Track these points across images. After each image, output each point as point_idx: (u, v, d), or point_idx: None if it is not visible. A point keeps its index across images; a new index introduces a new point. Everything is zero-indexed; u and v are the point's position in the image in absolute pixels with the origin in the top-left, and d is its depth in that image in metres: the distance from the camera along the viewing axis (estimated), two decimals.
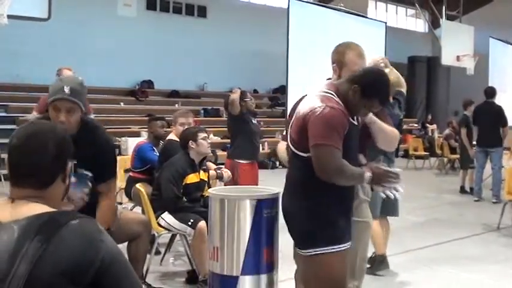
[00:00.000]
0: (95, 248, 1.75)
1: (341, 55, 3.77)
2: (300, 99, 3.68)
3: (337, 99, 3.23)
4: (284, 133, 3.96)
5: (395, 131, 4.00)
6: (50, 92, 3.76)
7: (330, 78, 3.85)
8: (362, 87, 3.22)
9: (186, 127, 6.19)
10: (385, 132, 3.85)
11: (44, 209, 1.86)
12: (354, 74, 3.38)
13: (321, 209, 3.27)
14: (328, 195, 3.25)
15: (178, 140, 5.95)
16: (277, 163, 17.92)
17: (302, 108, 3.29)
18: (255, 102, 8.23)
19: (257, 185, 6.95)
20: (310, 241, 3.30)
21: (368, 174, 3.23)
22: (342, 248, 3.28)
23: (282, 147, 3.92)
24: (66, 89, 3.67)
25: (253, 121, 7.72)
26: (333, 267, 3.28)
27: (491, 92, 11.48)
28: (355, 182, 3.36)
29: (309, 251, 3.29)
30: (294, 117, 3.40)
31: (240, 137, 7.61)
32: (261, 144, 8.55)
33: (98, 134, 4.06)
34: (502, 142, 11.08)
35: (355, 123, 3.33)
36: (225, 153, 8.73)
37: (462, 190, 12.38)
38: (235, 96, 7.60)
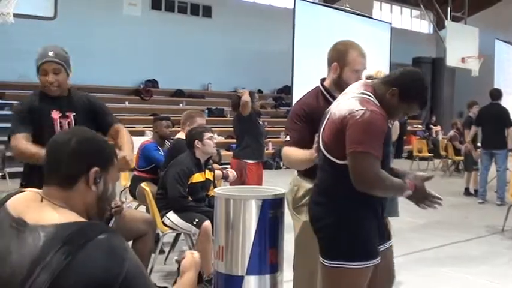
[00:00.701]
0: (118, 265, 1.74)
1: (343, 54, 3.66)
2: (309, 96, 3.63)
3: (376, 101, 3.03)
4: (287, 138, 3.77)
5: (397, 123, 3.98)
6: (36, 59, 4.06)
7: (324, 78, 3.80)
8: (401, 90, 3.04)
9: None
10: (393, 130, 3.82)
11: (73, 217, 1.86)
12: (391, 75, 3.17)
13: (352, 221, 3.06)
14: (361, 207, 3.05)
15: None
16: (281, 163, 17.95)
17: (338, 111, 3.04)
18: (259, 103, 8.27)
19: (261, 185, 6.96)
20: (337, 254, 3.08)
21: (408, 193, 3.05)
22: (368, 265, 3.06)
23: (293, 152, 3.69)
24: (51, 53, 4.02)
25: (260, 121, 7.74)
26: (354, 284, 3.11)
27: (496, 94, 11.47)
28: (393, 194, 3.17)
29: (332, 262, 3.09)
30: (326, 119, 3.16)
31: (247, 137, 7.59)
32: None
33: (85, 93, 4.46)
34: (507, 144, 11.07)
35: (390, 126, 3.22)
36: (230, 153, 8.75)
37: (467, 192, 12.37)
38: (247, 97, 7.53)
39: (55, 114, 4.02)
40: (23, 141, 3.90)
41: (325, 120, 3.16)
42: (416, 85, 3.10)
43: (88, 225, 1.83)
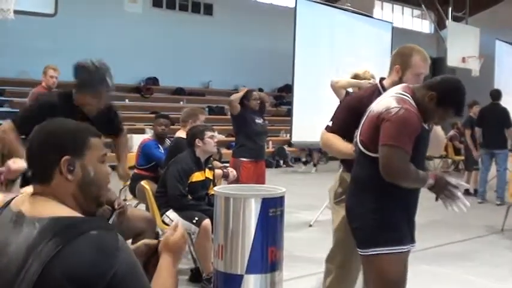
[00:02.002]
0: (107, 263, 1.73)
1: (407, 57, 3.74)
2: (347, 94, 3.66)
3: (413, 102, 3.20)
4: (330, 123, 3.91)
5: (443, 134, 4.03)
6: (90, 78, 4.02)
7: (384, 78, 3.90)
8: (439, 95, 3.19)
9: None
10: (439, 137, 3.89)
11: (69, 212, 1.86)
12: (432, 80, 3.32)
13: (385, 211, 3.26)
14: (393, 198, 3.24)
15: None
16: (281, 162, 17.95)
17: (376, 108, 3.24)
18: (268, 101, 8.29)
19: (263, 184, 6.94)
20: (370, 241, 3.28)
21: (430, 182, 3.20)
22: (401, 250, 3.26)
23: (333, 139, 3.84)
24: (109, 81, 4.03)
25: (257, 120, 7.68)
26: (390, 269, 3.27)
27: (496, 94, 11.52)
28: (417, 185, 3.28)
29: (367, 251, 3.29)
30: (366, 116, 3.34)
31: (241, 136, 7.69)
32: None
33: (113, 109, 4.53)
34: (507, 144, 11.10)
35: (427, 127, 3.31)
36: (230, 151, 8.76)
37: (466, 192, 12.35)
38: (233, 96, 7.70)
39: None
40: (13, 134, 3.88)
41: (365, 117, 3.35)
42: (455, 93, 3.25)
43: (83, 220, 1.83)
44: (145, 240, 2.39)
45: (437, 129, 3.83)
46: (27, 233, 1.77)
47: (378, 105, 3.26)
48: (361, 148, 3.32)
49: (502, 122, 11.10)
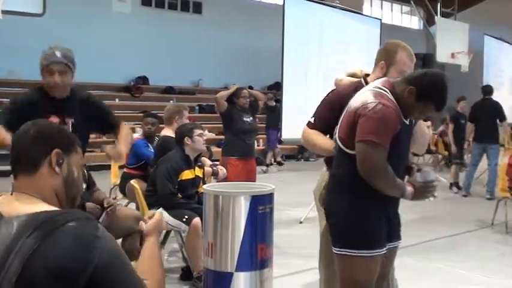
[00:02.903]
0: (86, 254, 1.72)
1: (391, 53, 3.66)
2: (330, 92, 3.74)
3: (391, 97, 3.13)
4: (312, 119, 3.87)
5: (429, 135, 3.97)
6: (41, 59, 4.04)
7: (368, 74, 3.83)
8: (418, 90, 3.11)
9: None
10: (423, 134, 3.80)
11: (46, 207, 1.87)
12: (412, 74, 3.26)
13: (360, 210, 3.20)
14: (370, 197, 3.15)
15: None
16: (272, 159, 17.95)
17: (354, 103, 3.18)
18: (263, 99, 8.31)
19: (254, 181, 6.94)
20: (341, 240, 3.26)
21: (410, 190, 3.15)
22: (371, 254, 3.19)
23: (313, 136, 3.79)
24: (58, 54, 4.00)
25: (245, 118, 7.68)
26: (356, 271, 3.23)
27: (488, 90, 11.65)
28: (393, 192, 3.19)
29: (339, 249, 3.27)
30: (344, 112, 3.27)
31: (228, 133, 7.78)
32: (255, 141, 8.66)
33: (87, 93, 4.45)
34: (499, 139, 11.20)
35: (407, 123, 3.23)
36: (220, 149, 8.77)
37: (452, 186, 12.46)
38: (220, 93, 7.76)
39: (53, 120, 3.98)
40: None
41: (344, 113, 3.28)
42: (435, 87, 3.15)
43: (60, 213, 1.83)
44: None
45: (422, 127, 3.75)
46: (5, 233, 1.76)
47: (355, 101, 3.20)
48: (340, 145, 3.26)
49: (495, 116, 11.24)
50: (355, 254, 3.19)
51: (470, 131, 11.69)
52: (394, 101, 3.12)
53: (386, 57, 3.67)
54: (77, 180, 2.06)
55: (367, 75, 3.84)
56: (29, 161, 1.96)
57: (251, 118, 7.75)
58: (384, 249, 3.26)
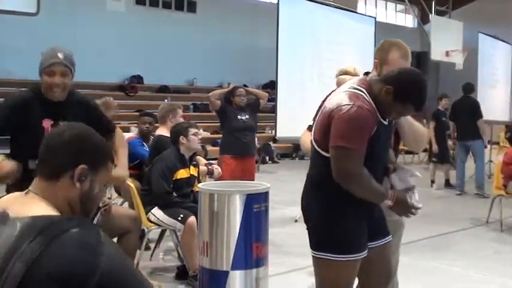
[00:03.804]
0: (91, 261, 1.70)
1: (385, 52, 3.55)
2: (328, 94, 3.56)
3: (368, 97, 3.02)
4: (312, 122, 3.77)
5: (425, 130, 3.88)
6: (42, 59, 3.95)
7: (368, 72, 3.71)
8: (396, 89, 2.99)
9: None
10: (415, 129, 3.69)
11: (51, 211, 1.86)
12: (389, 73, 3.14)
13: (337, 213, 3.12)
14: (346, 199, 3.05)
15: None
16: (267, 158, 17.96)
17: (328, 105, 3.08)
18: (265, 98, 8.30)
19: (252, 180, 6.95)
20: (319, 244, 3.18)
21: (388, 202, 3.08)
22: (349, 259, 3.11)
23: (306, 138, 3.72)
24: (60, 55, 3.92)
25: (240, 116, 7.70)
26: (334, 275, 3.17)
27: (468, 88, 11.87)
28: (371, 198, 3.13)
29: (316, 253, 3.20)
30: (319, 113, 3.20)
31: (223, 131, 7.95)
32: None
33: (84, 96, 4.43)
34: (480, 135, 11.29)
35: (385, 123, 3.12)
36: (216, 148, 8.80)
37: (447, 183, 12.49)
38: (212, 92, 7.89)
39: (46, 123, 3.92)
40: None
41: (319, 114, 3.20)
42: (413, 86, 3.05)
43: (63, 218, 1.82)
44: None
45: (414, 123, 3.65)
46: (8, 234, 1.74)
47: (330, 102, 3.11)
48: (315, 146, 3.17)
49: (473, 114, 11.34)
50: (333, 258, 3.12)
51: (453, 129, 11.82)
52: (371, 101, 3.02)
53: (379, 56, 3.58)
54: (96, 197, 2.03)
55: (367, 73, 3.79)
56: (53, 167, 1.94)
57: (247, 116, 7.76)
58: (364, 252, 3.17)
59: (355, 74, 6.17)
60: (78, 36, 17.22)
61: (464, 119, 11.38)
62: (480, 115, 11.41)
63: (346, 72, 6.31)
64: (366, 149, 2.97)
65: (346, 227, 3.12)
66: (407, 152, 17.95)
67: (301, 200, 3.33)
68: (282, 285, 5.51)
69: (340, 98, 3.03)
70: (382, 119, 3.08)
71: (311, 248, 3.24)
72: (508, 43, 17.93)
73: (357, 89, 3.06)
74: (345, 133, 2.93)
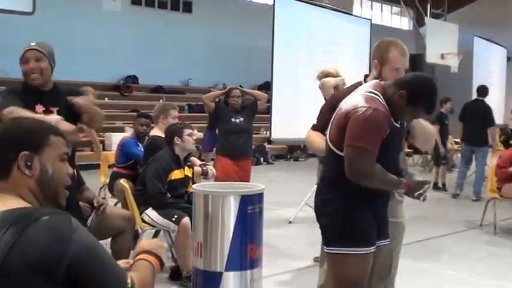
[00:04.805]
0: (61, 246, 1.72)
1: (384, 51, 3.68)
2: (338, 95, 3.68)
3: (383, 101, 3.16)
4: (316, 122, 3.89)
5: (433, 128, 3.96)
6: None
7: (367, 75, 3.85)
8: (409, 93, 3.14)
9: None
10: (425, 129, 3.80)
11: (21, 203, 1.87)
12: (403, 78, 3.31)
13: (349, 209, 3.24)
14: (359, 198, 3.22)
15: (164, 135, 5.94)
16: (262, 159, 17.95)
17: (345, 106, 3.21)
18: (263, 99, 8.26)
19: (240, 181, 6.93)
20: (333, 240, 3.29)
21: (402, 190, 3.28)
22: (362, 252, 3.24)
23: (315, 137, 3.80)
24: (33, 43, 4.09)
25: (234, 119, 7.68)
26: (348, 269, 3.27)
27: (482, 91, 11.55)
28: (386, 188, 3.31)
29: (330, 248, 3.31)
30: (335, 114, 3.31)
31: (218, 133, 7.93)
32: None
33: (71, 88, 4.51)
34: (488, 142, 11.13)
35: (398, 126, 3.26)
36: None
37: (435, 186, 12.46)
38: (206, 95, 8.02)
39: (39, 109, 3.98)
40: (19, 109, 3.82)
41: (335, 115, 3.32)
42: (425, 91, 3.20)
43: (35, 208, 1.85)
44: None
45: (425, 124, 3.77)
46: None
47: (346, 104, 3.23)
48: (330, 146, 3.30)
49: (484, 119, 11.10)
50: (347, 252, 3.23)
51: (462, 131, 11.66)
52: (385, 105, 3.15)
53: (379, 56, 3.69)
54: (54, 176, 2.01)
55: (367, 75, 3.85)
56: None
57: (241, 119, 7.72)
58: (374, 247, 3.31)
59: (336, 75, 6.25)
60: (73, 36, 17.21)
61: (473, 123, 11.08)
62: (492, 122, 11.19)
63: (327, 74, 6.36)
64: (379, 151, 3.10)
65: (359, 222, 3.26)
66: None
67: (315, 198, 3.45)
68: (276, 287, 5.51)
69: (357, 100, 3.16)
70: (395, 122, 3.21)
71: (324, 244, 3.37)
72: (503, 46, 18.01)
73: (373, 93, 3.19)
74: (360, 134, 3.07)
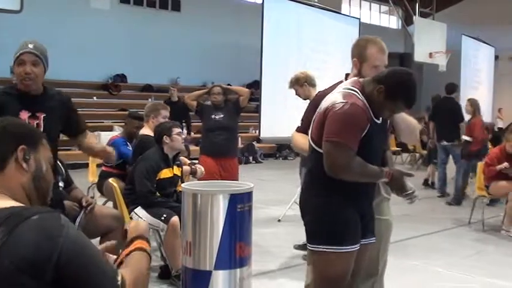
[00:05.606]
0: (50, 244, 1.71)
1: (362, 49, 3.65)
2: (321, 94, 3.66)
3: (361, 97, 3.16)
4: (300, 123, 3.90)
5: (416, 122, 3.97)
6: (15, 52, 4.00)
7: (348, 74, 3.82)
8: (386, 88, 3.13)
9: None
10: (408, 122, 3.81)
11: (11, 203, 1.86)
12: (380, 73, 3.28)
13: (332, 207, 3.24)
14: (343, 195, 3.22)
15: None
16: (251, 158, 17.96)
17: (324, 104, 3.23)
18: (246, 94, 8.17)
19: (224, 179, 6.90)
20: (316, 237, 3.30)
21: (385, 180, 3.25)
22: (345, 250, 3.23)
23: (299, 138, 3.82)
24: (30, 45, 3.96)
25: (214, 116, 7.64)
26: (330, 267, 3.27)
27: (450, 88, 11.60)
28: (367, 180, 3.28)
29: (312, 246, 3.31)
30: (316, 112, 3.32)
31: (202, 131, 7.95)
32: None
33: (61, 92, 4.39)
34: (460, 138, 11.06)
35: (378, 121, 3.25)
36: (198, 148, 8.80)
37: (425, 183, 12.49)
38: (187, 95, 8.06)
39: (24, 115, 3.90)
40: None
41: (315, 114, 3.32)
42: (402, 85, 3.18)
43: (24, 207, 1.84)
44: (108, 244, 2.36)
45: (407, 117, 3.78)
46: None
47: (325, 102, 3.24)
48: (312, 144, 3.31)
49: (454, 116, 11.10)
50: (329, 250, 3.23)
51: (432, 130, 11.71)
52: (365, 101, 3.16)
53: (357, 54, 3.67)
54: (46, 175, 2.04)
55: (348, 74, 3.83)
56: None
57: (222, 115, 7.64)
58: (358, 245, 3.30)
59: (306, 79, 6.34)
60: (62, 34, 17.16)
61: (444, 120, 11.14)
62: (462, 117, 11.23)
63: (297, 79, 6.42)
64: (360, 148, 3.10)
65: (342, 220, 3.25)
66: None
67: (300, 195, 3.49)
68: (265, 285, 5.52)
69: (335, 97, 3.18)
70: (375, 118, 3.21)
71: (307, 241, 3.37)
72: (491, 45, 18.08)
73: (351, 89, 3.20)
74: (337, 128, 3.08)
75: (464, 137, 10.56)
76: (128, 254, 2.16)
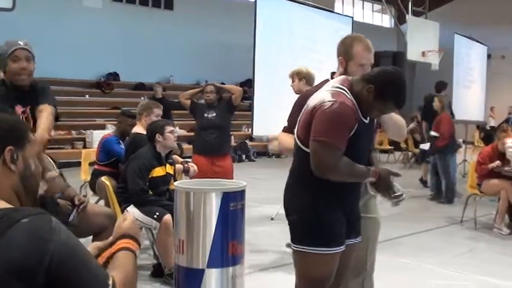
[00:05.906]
0: (42, 248, 1.68)
1: (348, 47, 3.61)
2: (308, 92, 3.63)
3: (350, 96, 3.11)
4: (286, 123, 3.86)
5: (403, 119, 3.96)
6: (5, 49, 4.12)
7: (334, 72, 3.78)
8: (376, 88, 3.08)
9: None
10: (395, 119, 3.80)
11: (4, 204, 1.83)
12: (370, 72, 3.24)
13: (317, 207, 3.19)
14: (328, 194, 3.18)
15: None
16: (244, 156, 17.97)
17: (312, 102, 3.17)
18: (238, 92, 8.12)
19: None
20: (299, 237, 3.26)
21: (371, 179, 3.19)
22: (328, 252, 3.19)
23: (286, 139, 3.76)
24: (21, 42, 4.13)
25: (207, 114, 7.62)
26: (313, 268, 3.25)
27: (439, 86, 11.71)
28: (354, 180, 3.23)
29: (295, 245, 3.28)
30: (303, 111, 3.27)
31: (195, 130, 7.93)
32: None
33: (44, 84, 4.46)
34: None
35: (366, 121, 3.20)
36: (191, 146, 8.76)
37: (424, 183, 12.53)
38: (182, 93, 8.11)
39: (19, 109, 4.03)
40: None
41: (302, 112, 3.27)
42: (392, 85, 3.12)
43: (13, 211, 1.80)
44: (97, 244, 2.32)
45: (394, 115, 3.73)
46: None
47: (313, 100, 3.19)
48: (298, 143, 3.26)
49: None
50: (313, 251, 3.20)
51: (425, 128, 11.76)
52: (353, 100, 3.11)
53: (343, 53, 3.63)
54: (35, 173, 2.00)
55: (334, 73, 3.81)
56: None
57: (214, 114, 7.62)
58: (343, 246, 3.26)
59: (306, 74, 6.36)
60: (54, 33, 17.11)
61: (432, 118, 11.17)
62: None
63: (299, 72, 6.46)
64: (347, 148, 3.05)
65: (326, 221, 3.20)
66: (382, 151, 18.11)
67: (284, 195, 3.40)
68: (258, 284, 5.52)
69: (323, 96, 3.12)
70: (363, 118, 3.16)
71: (292, 242, 3.32)
72: (484, 44, 18.10)
73: (340, 88, 3.14)
74: (325, 128, 3.02)
75: (432, 133, 10.67)
76: (111, 256, 2.13)
